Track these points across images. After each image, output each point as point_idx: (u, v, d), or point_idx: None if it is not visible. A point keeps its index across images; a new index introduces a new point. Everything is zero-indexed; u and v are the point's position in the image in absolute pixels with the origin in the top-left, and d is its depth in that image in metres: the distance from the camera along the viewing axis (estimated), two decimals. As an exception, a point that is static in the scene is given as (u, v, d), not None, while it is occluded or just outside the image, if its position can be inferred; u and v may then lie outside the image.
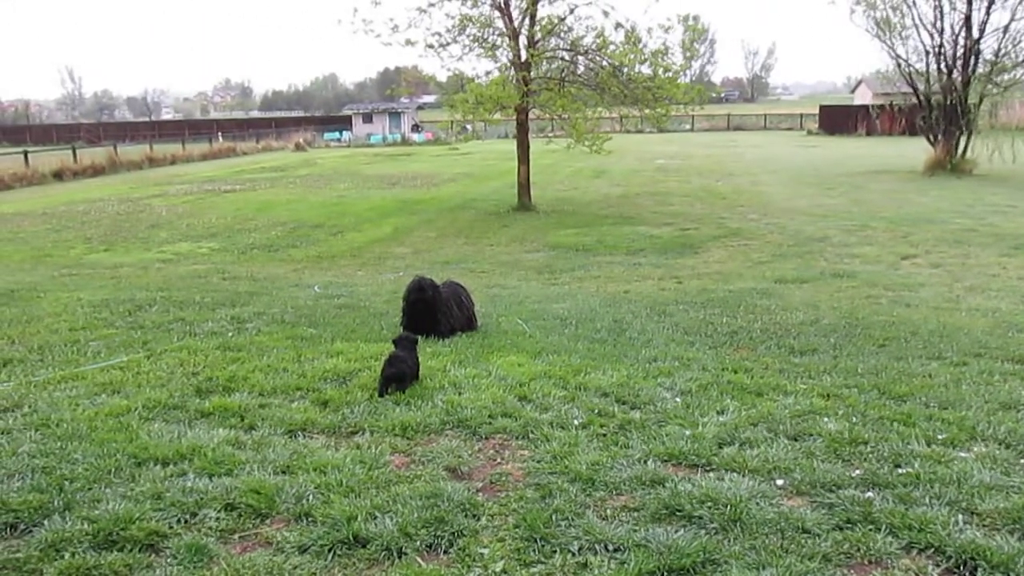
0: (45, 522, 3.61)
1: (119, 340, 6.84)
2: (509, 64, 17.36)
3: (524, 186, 17.62)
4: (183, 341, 6.77)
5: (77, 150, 35.14)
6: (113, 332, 7.15)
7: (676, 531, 3.52)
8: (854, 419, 4.85)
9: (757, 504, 3.76)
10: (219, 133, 53.08)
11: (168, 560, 3.35)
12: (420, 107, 61.63)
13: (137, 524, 3.57)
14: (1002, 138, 22.37)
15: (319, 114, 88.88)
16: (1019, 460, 4.27)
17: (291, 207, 18.53)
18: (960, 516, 3.64)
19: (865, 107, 48.01)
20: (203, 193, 22.10)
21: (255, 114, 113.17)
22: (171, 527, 3.60)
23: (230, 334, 7.03)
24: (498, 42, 17.27)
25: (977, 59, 23.65)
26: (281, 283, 9.82)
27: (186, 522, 3.66)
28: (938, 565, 3.29)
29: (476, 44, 17.31)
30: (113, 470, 4.15)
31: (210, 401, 5.20)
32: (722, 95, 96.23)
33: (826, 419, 4.85)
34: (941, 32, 23.67)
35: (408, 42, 17.46)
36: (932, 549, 3.38)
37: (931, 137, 24.65)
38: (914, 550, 3.39)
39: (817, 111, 56.10)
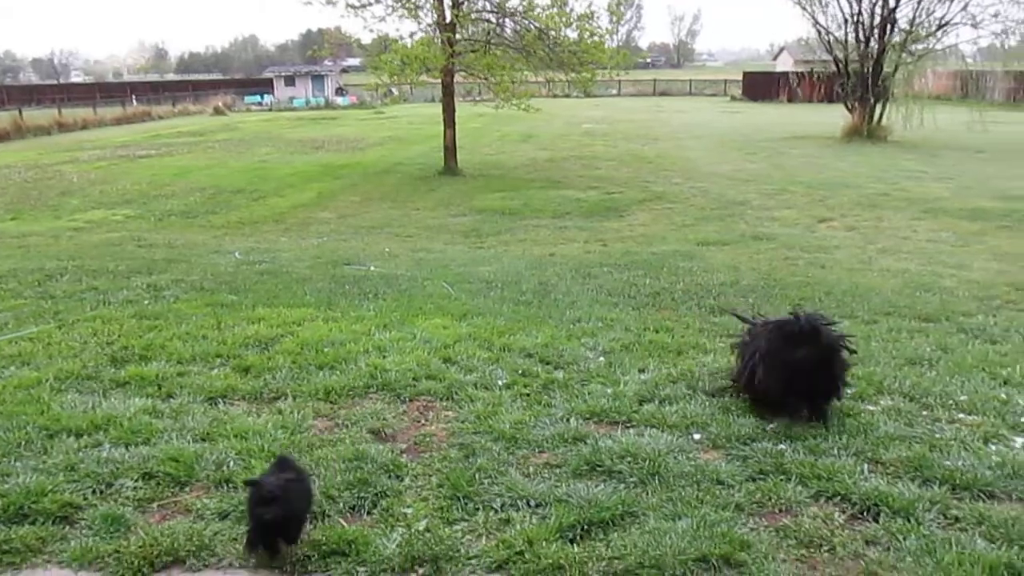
0: (-49, 497, 3.49)
1: (28, 311, 6.59)
2: (434, 24, 17.12)
3: (450, 150, 17.48)
4: (96, 311, 6.56)
5: (-20, 114, 33.53)
6: (21, 303, 6.88)
7: (596, 486, 3.60)
8: (769, 375, 4.99)
9: (675, 458, 3.86)
10: (133, 97, 51.10)
11: (83, 531, 3.29)
12: (344, 70, 60.28)
13: (50, 496, 3.48)
14: (915, 106, 23.08)
15: (239, 77, 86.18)
16: (922, 412, 4.48)
17: (210, 172, 18.03)
18: (865, 465, 3.81)
19: (786, 74, 48.98)
20: (117, 159, 21.31)
21: (171, 77, 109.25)
22: (86, 498, 3.52)
23: (146, 302, 6.84)
24: (421, 2, 16.99)
25: (893, 28, 24.27)
26: (200, 250, 9.57)
27: (101, 493, 3.58)
28: (844, 512, 3.44)
29: (399, 5, 17.01)
30: (23, 443, 4.03)
31: (126, 370, 5.07)
32: (648, 60, 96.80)
33: (743, 376, 4.99)
34: (859, 1, 24.21)
35: (328, 1, 17.03)
36: (839, 497, 3.54)
37: (849, 104, 25.29)
38: (822, 498, 3.54)
39: (741, 77, 56.95)
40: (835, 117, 25.27)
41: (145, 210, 13.36)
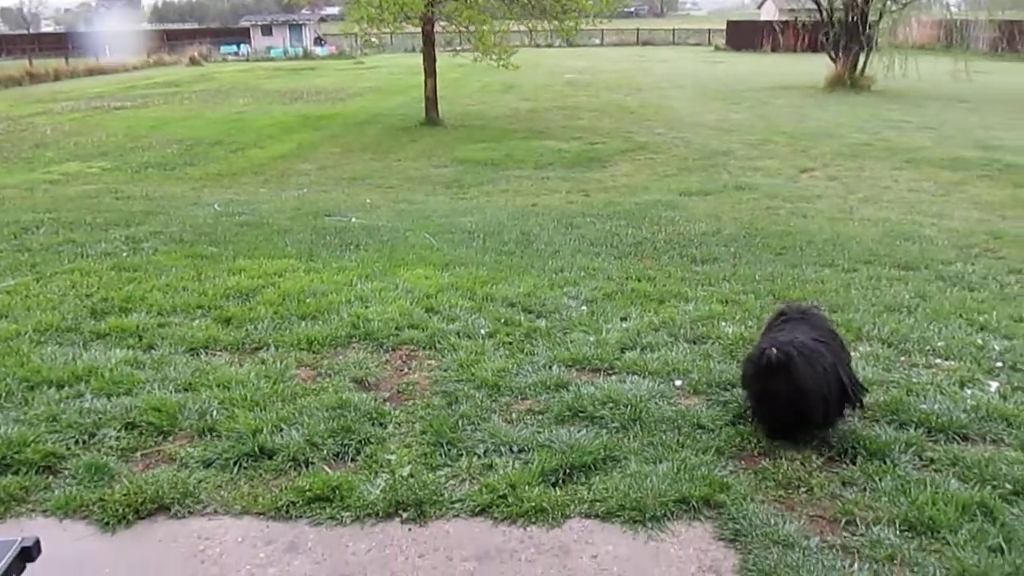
0: (-68, 448, 3.48)
1: (5, 263, 6.51)
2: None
3: (431, 100, 17.27)
4: (74, 263, 6.49)
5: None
6: (-2, 255, 6.80)
7: (578, 431, 3.64)
8: (750, 323, 5.04)
9: (656, 404, 3.91)
10: (106, 47, 50.02)
11: (67, 480, 3.30)
12: (323, 19, 59.24)
13: (32, 447, 3.48)
14: (899, 55, 22.97)
15: (215, 26, 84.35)
16: (900, 358, 4.54)
17: (187, 124, 17.74)
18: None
19: (771, 23, 48.51)
20: (91, 110, 20.92)
21: (145, 26, 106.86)
22: (69, 448, 3.53)
23: (125, 254, 6.77)
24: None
25: (878, -25, 24.06)
26: (179, 202, 9.45)
27: (84, 443, 3.59)
28: (821, 455, 3.49)
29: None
30: (4, 395, 4.02)
31: (106, 322, 5.04)
32: (631, 9, 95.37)
33: (724, 323, 5.04)
34: (845, -53, 23.94)
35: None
36: (817, 440, 3.59)
37: (832, 54, 25.15)
38: (800, 441, 3.59)
39: (724, 27, 56.40)
40: (819, 67, 25.13)
41: (121, 162, 13.16)
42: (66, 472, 3.34)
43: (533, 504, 3.10)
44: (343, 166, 12.61)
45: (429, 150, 13.89)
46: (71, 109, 21.18)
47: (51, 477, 3.33)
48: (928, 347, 4.65)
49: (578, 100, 21.77)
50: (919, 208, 8.88)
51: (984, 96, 21.53)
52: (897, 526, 2.95)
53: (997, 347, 4.64)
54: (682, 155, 12.98)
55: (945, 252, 6.84)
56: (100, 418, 3.75)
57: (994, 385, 4.16)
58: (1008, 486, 3.19)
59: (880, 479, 3.26)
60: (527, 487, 3.21)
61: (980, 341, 4.72)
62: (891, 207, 8.97)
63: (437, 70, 17.30)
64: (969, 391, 4.07)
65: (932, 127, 15.95)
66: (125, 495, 3.14)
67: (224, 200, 9.57)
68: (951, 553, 2.78)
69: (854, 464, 3.40)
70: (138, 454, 3.51)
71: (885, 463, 3.37)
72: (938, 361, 4.48)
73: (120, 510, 3.07)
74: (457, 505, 3.13)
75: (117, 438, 3.61)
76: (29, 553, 1.64)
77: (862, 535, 2.92)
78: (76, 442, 3.57)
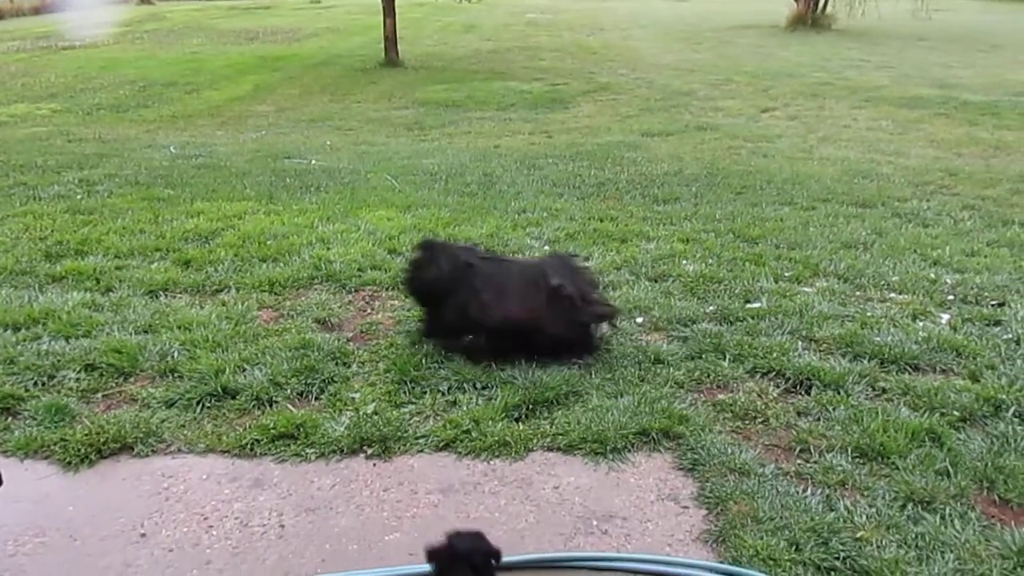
0: None
1: (-47, 206, 6.34)
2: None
3: (391, 40, 16.91)
4: (27, 206, 6.34)
5: None
6: (-54, 198, 6.61)
7: (541, 368, 3.67)
8: (710, 260, 5.11)
9: (618, 340, 3.96)
10: (52, -17, 48.06)
11: (27, 422, 3.27)
12: (278, -44, 57.25)
13: (-10, 389, 3.44)
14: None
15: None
16: (855, 292, 4.64)
17: (139, 65, 17.21)
18: (800, 343, 3.96)
19: (733, -39, 47.94)
20: (38, 50, 20.18)
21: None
22: (27, 390, 3.49)
23: (79, 197, 6.62)
24: None
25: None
26: (133, 144, 9.23)
27: (43, 384, 3.55)
28: (778, 386, 3.58)
29: None
30: (-42, 337, 3.94)
31: (61, 265, 4.96)
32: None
33: (685, 261, 5.09)
34: None
35: None
36: (774, 372, 3.68)
37: (794, -8, 25.02)
38: (758, 374, 3.68)
39: (687, -35, 55.65)
40: (780, 6, 24.96)
41: (72, 104, 12.78)
42: (25, 413, 3.32)
43: (496, 439, 3.14)
44: (302, 108, 12.38)
45: (389, 91, 13.68)
46: (17, 49, 20.44)
47: (10, 419, 3.30)
48: (883, 282, 4.75)
49: (540, 40, 21.48)
50: (877, 147, 8.97)
51: (943, 34, 21.63)
52: (849, 453, 3.04)
53: (949, 281, 4.75)
54: (644, 96, 12.93)
55: (901, 189, 6.95)
56: (59, 360, 3.71)
57: (945, 317, 4.27)
58: (956, 413, 3.30)
59: (834, 409, 3.35)
60: (490, 422, 3.25)
61: (933, 275, 4.83)
62: (850, 146, 9.06)
63: (396, 9, 16.92)
64: (921, 323, 4.17)
65: (891, 66, 16.03)
66: (87, 435, 3.12)
67: (180, 142, 9.37)
68: (900, 477, 2.88)
69: (809, 395, 3.49)
70: (99, 395, 3.49)
71: (839, 393, 3.47)
72: (892, 295, 4.58)
73: (82, 450, 3.06)
74: (421, 441, 3.16)
75: (77, 380, 3.58)
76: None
77: (815, 462, 3.01)
78: (35, 384, 3.53)
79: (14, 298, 4.44)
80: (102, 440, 3.10)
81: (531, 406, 3.38)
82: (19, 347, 3.85)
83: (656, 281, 4.79)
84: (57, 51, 20.08)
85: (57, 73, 16.01)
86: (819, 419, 3.31)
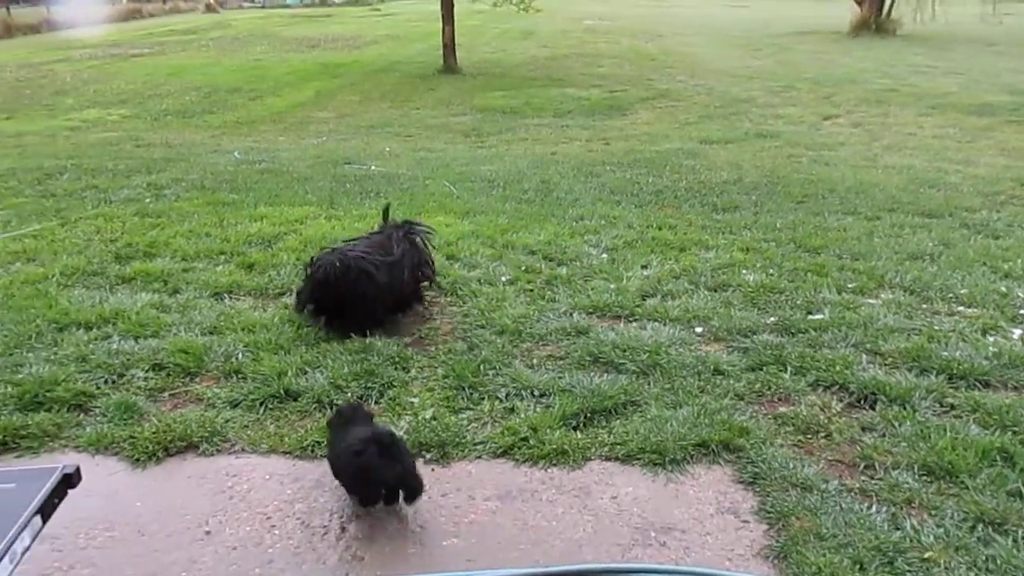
0: (-34, 387, 3.57)
1: (30, 209, 6.58)
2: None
3: (449, 48, 17.06)
4: (98, 208, 6.55)
5: (-34, 11, 32.57)
6: (23, 201, 6.86)
7: (599, 377, 3.67)
8: (771, 271, 5.03)
9: (676, 350, 3.92)
10: (123, -7, 49.52)
11: (98, 418, 3.37)
12: (339, -35, 58.20)
13: (63, 385, 3.56)
14: (925, -1, 22.45)
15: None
16: (921, 305, 4.53)
17: (205, 71, 17.65)
18: (864, 356, 3.87)
19: (795, -33, 47.29)
20: (109, 58, 20.83)
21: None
22: (98, 387, 3.60)
23: (148, 201, 6.81)
24: None
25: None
26: (199, 149, 9.47)
27: (114, 382, 3.66)
28: (841, 400, 3.51)
29: None
30: (34, 335, 4.09)
31: (131, 267, 5.11)
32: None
33: (745, 271, 5.03)
34: None
35: None
36: (837, 386, 3.60)
37: (858, -3, 24.58)
38: (820, 387, 3.61)
39: (747, -29, 55.06)
40: (843, 11, 24.55)
41: (141, 109, 13.16)
42: (97, 410, 3.42)
43: (554, 447, 3.14)
44: (361, 114, 12.55)
45: (447, 98, 13.78)
46: (90, 56, 21.11)
47: (82, 415, 3.41)
48: (951, 295, 4.63)
49: (598, 47, 21.46)
50: (944, 155, 8.75)
51: (1014, 39, 21.02)
52: (916, 471, 2.97)
53: (1021, 294, 4.61)
54: (703, 103, 12.82)
55: (970, 199, 6.76)
56: (128, 359, 3.82)
57: (1017, 332, 4.14)
58: (1028, 432, 3.20)
59: (900, 424, 3.27)
60: (548, 430, 3.25)
61: (1004, 289, 4.69)
62: (916, 154, 8.85)
63: (455, 17, 17.07)
64: (991, 338, 4.06)
65: (959, 72, 15.63)
66: (154, 433, 3.21)
67: (244, 148, 9.58)
68: (969, 497, 2.81)
69: (874, 409, 3.42)
70: (166, 394, 3.58)
71: (905, 409, 3.39)
72: (960, 309, 4.46)
73: (150, 447, 3.14)
74: (479, 447, 3.18)
75: (145, 378, 3.68)
76: (70, 479, 1.70)
77: (881, 479, 2.94)
78: (106, 382, 3.64)
79: (86, 298, 4.59)
80: (169, 438, 3.18)
81: (589, 415, 3.37)
82: (91, 346, 3.97)
83: (715, 291, 4.74)
84: (127, 58, 20.69)
85: (127, 80, 16.51)
86: (884, 435, 3.23)
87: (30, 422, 3.29)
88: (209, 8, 45.06)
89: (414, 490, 2.76)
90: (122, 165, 8.28)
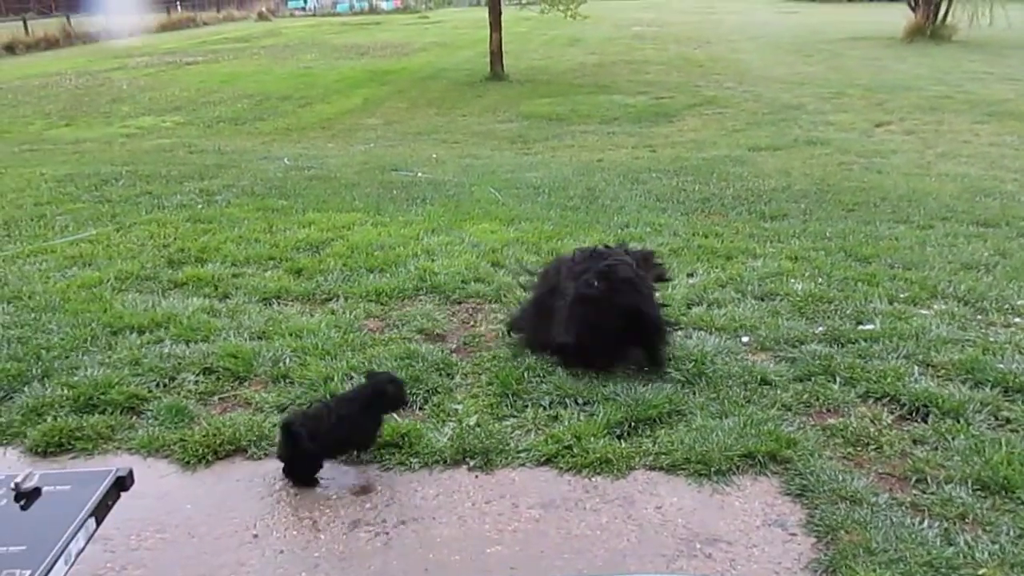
0: (25, 389, 3.68)
1: (86, 214, 6.75)
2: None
3: (496, 55, 17.15)
4: (152, 214, 6.70)
5: (28, 22, 33.56)
6: (80, 206, 7.04)
7: (643, 385, 3.64)
8: (820, 280, 4.96)
9: (723, 359, 3.88)
10: (178, 2, 50.70)
11: (150, 421, 3.44)
12: (388, -27, 58.83)
13: (116, 388, 3.63)
14: (984, 2, 21.91)
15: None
16: (976, 316, 4.42)
17: (257, 79, 17.98)
18: (916, 368, 3.79)
19: (847, -29, 46.58)
20: (164, 65, 21.34)
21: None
22: (150, 391, 3.67)
23: (199, 206, 6.95)
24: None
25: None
26: (249, 156, 9.64)
27: (165, 386, 3.73)
28: (892, 412, 3.44)
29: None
30: (89, 339, 4.19)
31: (183, 271, 5.21)
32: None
33: (793, 280, 4.95)
34: None
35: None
36: (887, 398, 3.53)
37: (912, 2, 24.10)
38: (871, 399, 3.54)
39: (798, -25, 54.36)
40: (897, 16, 24.11)
41: (194, 116, 13.45)
42: (148, 413, 3.49)
43: (598, 455, 3.13)
44: (409, 121, 12.67)
45: (494, 105, 13.85)
46: (145, 64, 21.64)
47: (135, 417, 3.48)
48: (1007, 305, 4.51)
49: (645, 53, 21.38)
50: (1001, 163, 8.54)
51: (1075, 46, 20.45)
52: (970, 485, 2.90)
53: (1081, 307, 4.48)
54: (752, 109, 12.69)
55: (1028, 209, 6.59)
56: (179, 363, 3.90)
57: (1076, 346, 4.02)
58: (1088, 448, 3.10)
59: (953, 438, 3.20)
60: (592, 439, 3.23)
61: (1062, 301, 4.56)
62: (971, 162, 8.65)
63: (503, 24, 17.14)
64: (1050, 351, 3.94)
65: (1017, 78, 15.24)
66: (204, 436, 3.27)
67: (293, 154, 9.72)
68: (1026, 514, 2.73)
69: (926, 423, 3.34)
70: (216, 398, 3.64)
71: (959, 422, 3.31)
72: (1017, 320, 4.35)
73: (200, 450, 3.20)
74: (523, 454, 3.18)
75: (196, 382, 3.75)
76: (123, 482, 1.74)
77: (933, 493, 2.87)
78: (157, 385, 3.72)
79: (139, 302, 4.69)
80: (218, 442, 3.24)
81: (633, 423, 3.35)
82: (143, 349, 4.05)
83: (763, 300, 4.68)
84: (181, 66, 21.16)
85: (181, 87, 16.88)
86: (937, 448, 3.16)
87: (84, 424, 3.37)
88: (261, 16, 45.87)
89: None
90: (175, 171, 8.46)
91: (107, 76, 19.25)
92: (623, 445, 3.21)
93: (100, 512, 1.65)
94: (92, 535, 1.62)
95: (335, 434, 3.03)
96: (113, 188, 7.71)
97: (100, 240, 5.95)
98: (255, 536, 2.76)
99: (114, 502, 1.73)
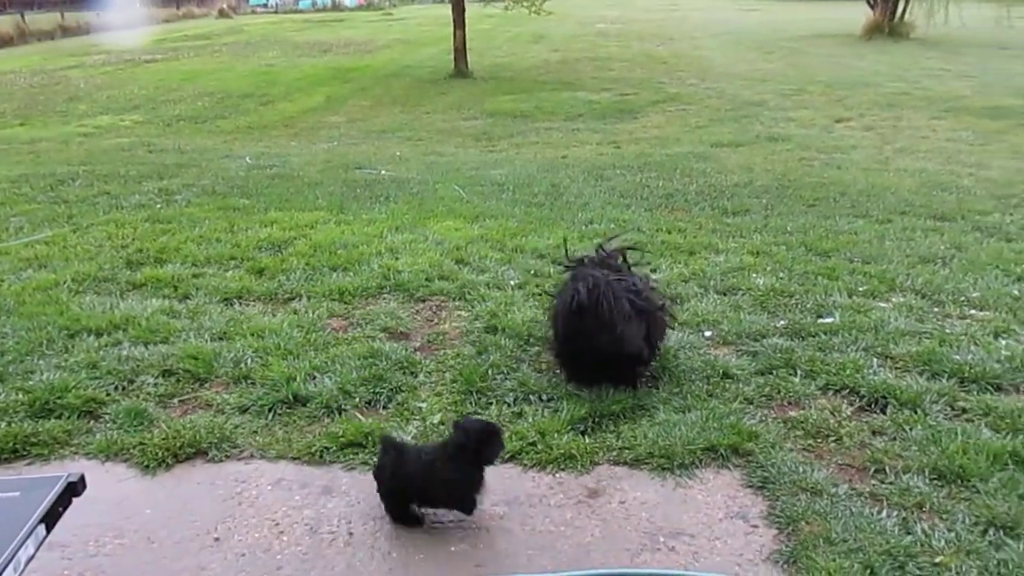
0: (-23, 393, 3.59)
1: (42, 215, 6.62)
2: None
3: (460, 52, 17.09)
4: (110, 215, 6.59)
5: (-19, 19, 32.86)
6: (35, 207, 6.90)
7: (606, 382, 3.64)
8: (781, 274, 5.01)
9: (685, 354, 3.91)
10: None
11: (108, 425, 3.38)
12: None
13: (73, 392, 3.57)
14: (939, 1, 22.27)
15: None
16: (933, 308, 4.50)
17: (218, 76, 17.74)
18: (875, 360, 3.85)
19: (807, -31, 47.09)
20: (122, 63, 20.97)
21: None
22: (108, 394, 3.61)
23: (159, 206, 6.85)
24: None
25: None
26: (210, 155, 9.51)
27: (123, 389, 3.67)
28: (852, 404, 3.49)
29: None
30: (45, 342, 4.11)
31: (141, 273, 5.13)
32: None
33: (755, 275, 5.01)
34: None
35: None
36: (847, 390, 3.58)
37: (871, 0, 24.45)
38: (831, 391, 3.59)
39: (759, -27, 54.90)
40: (856, 14, 24.43)
41: (153, 115, 13.25)
42: (107, 417, 3.43)
43: (562, 451, 3.13)
44: (372, 119, 12.59)
45: (458, 102, 13.81)
46: (103, 62, 21.26)
47: (92, 421, 3.42)
48: (963, 298, 4.59)
49: (609, 50, 21.45)
50: (957, 158, 8.70)
51: (1029, 43, 20.87)
52: (927, 475, 2.95)
53: (1034, 298, 4.57)
54: (714, 106, 12.79)
55: (983, 203, 6.72)
56: (138, 365, 3.84)
57: (1030, 336, 4.10)
58: (1041, 436, 3.17)
59: (911, 428, 3.25)
60: (556, 435, 3.24)
61: (1016, 292, 4.65)
62: (928, 157, 8.80)
63: (466, 21, 17.10)
64: (1004, 341, 4.02)
65: (973, 75, 15.53)
66: (164, 439, 3.22)
67: (255, 153, 9.62)
68: (981, 501, 2.78)
69: (884, 414, 3.39)
70: (176, 400, 3.59)
71: (916, 413, 3.36)
72: (972, 312, 4.43)
73: (159, 453, 3.15)
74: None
75: (155, 385, 3.69)
76: (75, 487, 1.70)
77: (891, 483, 2.92)
78: (116, 388, 3.66)
79: (97, 304, 4.61)
80: (178, 444, 3.19)
81: (597, 419, 3.36)
82: (101, 352, 3.99)
83: (725, 294, 4.72)
84: (140, 64, 20.82)
85: (140, 85, 16.61)
86: (895, 439, 3.21)
87: (40, 429, 3.30)
88: (222, 14, 45.28)
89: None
90: (134, 171, 8.33)
91: (63, 74, 18.89)
92: (587, 441, 3.22)
93: (50, 518, 1.62)
94: (42, 542, 1.59)
95: (417, 480, 2.71)
96: (70, 188, 7.57)
97: (56, 241, 5.83)
98: (216, 539, 2.73)
99: (65, 508, 1.69)
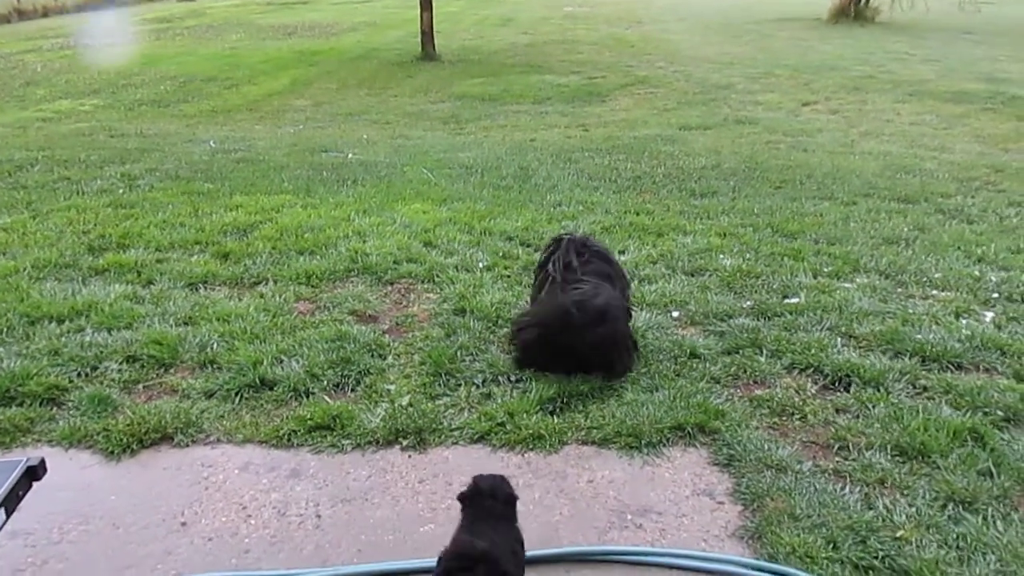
0: (-64, 382, 3.52)
1: (0, 201, 6.48)
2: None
3: (428, 34, 16.94)
4: (70, 200, 6.46)
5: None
6: (-7, 193, 6.76)
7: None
8: (748, 255, 5.06)
9: (653, 334, 3.94)
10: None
11: (71, 412, 3.34)
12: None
13: (35, 379, 3.52)
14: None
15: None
16: (896, 289, 4.56)
17: (180, 60, 17.44)
18: (839, 339, 3.91)
19: (773, -47, 47.26)
20: (81, 47, 20.55)
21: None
22: (71, 381, 3.56)
23: (121, 191, 6.73)
24: None
25: None
26: (173, 139, 9.36)
27: (87, 375, 3.62)
28: (816, 382, 3.54)
29: None
30: (5, 330, 4.04)
31: (104, 258, 5.04)
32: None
33: (722, 256, 5.05)
34: None
35: None
36: (812, 369, 3.63)
37: (836, -17, 24.60)
38: (796, 370, 3.64)
39: (726, -43, 55.04)
40: (822, -2, 24.60)
41: (114, 100, 12.99)
42: (69, 404, 3.38)
43: (531, 431, 3.15)
44: (339, 102, 12.46)
45: (426, 85, 13.71)
46: (61, 46, 20.81)
47: (55, 409, 3.37)
48: (925, 279, 4.67)
49: (577, 34, 21.39)
50: (921, 142, 8.81)
51: (992, 28, 21.14)
52: (889, 451, 3.00)
53: (994, 278, 4.66)
54: (682, 89, 12.82)
55: (945, 185, 6.82)
56: (102, 351, 3.79)
57: (989, 315, 4.19)
58: (999, 413, 3.24)
59: (873, 406, 3.30)
60: (525, 415, 3.25)
61: (977, 273, 4.74)
62: (892, 140, 8.90)
63: (433, 3, 16.95)
64: (964, 321, 4.10)
65: (937, 60, 15.71)
66: (128, 425, 3.18)
67: (219, 137, 9.48)
68: (941, 477, 2.84)
69: (848, 392, 3.45)
70: (140, 386, 3.55)
71: (879, 391, 3.42)
72: (934, 292, 4.50)
73: (124, 439, 3.11)
74: (456, 433, 3.18)
75: (119, 371, 3.64)
76: (35, 472, 1.68)
77: (854, 460, 2.97)
78: (79, 375, 3.60)
79: (58, 291, 4.53)
80: (143, 430, 3.16)
81: (566, 399, 3.38)
82: (63, 339, 3.92)
83: (692, 275, 4.75)
84: (100, 47, 20.40)
85: (99, 69, 16.28)
86: (858, 416, 3.26)
87: (1, 417, 3.25)
88: (184, -4, 44.41)
89: None
90: (95, 156, 8.17)
91: (20, 59, 18.46)
92: (555, 421, 3.23)
93: (10, 503, 1.59)
94: (2, 526, 1.56)
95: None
96: (28, 174, 7.41)
97: (15, 228, 5.71)
98: (183, 524, 2.71)
99: (25, 492, 1.67)
